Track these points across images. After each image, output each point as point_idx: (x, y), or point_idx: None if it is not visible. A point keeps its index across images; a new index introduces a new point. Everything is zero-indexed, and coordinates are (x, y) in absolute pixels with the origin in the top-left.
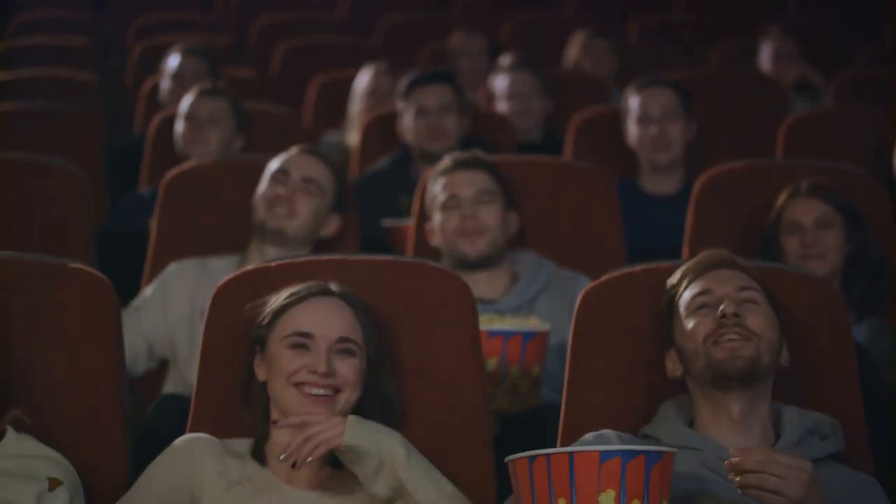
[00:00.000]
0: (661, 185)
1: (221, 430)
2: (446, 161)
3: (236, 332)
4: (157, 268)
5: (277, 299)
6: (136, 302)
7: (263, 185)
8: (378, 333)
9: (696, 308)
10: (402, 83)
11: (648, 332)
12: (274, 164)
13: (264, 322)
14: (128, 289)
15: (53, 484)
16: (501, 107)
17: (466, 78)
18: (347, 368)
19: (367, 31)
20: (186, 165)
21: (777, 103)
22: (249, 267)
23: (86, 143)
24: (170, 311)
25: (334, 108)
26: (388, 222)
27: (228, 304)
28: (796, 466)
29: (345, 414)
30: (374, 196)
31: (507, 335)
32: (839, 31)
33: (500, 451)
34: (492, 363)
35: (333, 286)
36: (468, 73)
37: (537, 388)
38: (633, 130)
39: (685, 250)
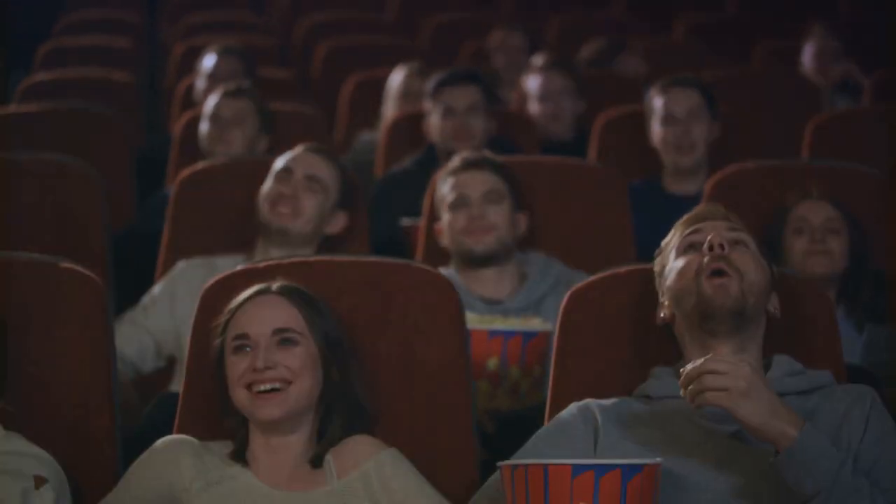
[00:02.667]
0: (683, 185)
1: (207, 433)
2: (455, 161)
3: (214, 343)
4: (169, 267)
5: (226, 311)
6: (145, 300)
7: (268, 184)
8: (334, 326)
9: (685, 248)
10: (430, 83)
11: (635, 332)
12: (278, 163)
13: (220, 335)
14: (148, 288)
15: (39, 482)
16: (533, 107)
17: (504, 76)
18: (290, 358)
19: (415, 31)
20: (199, 166)
21: (811, 103)
22: (235, 269)
23: (113, 143)
24: (177, 310)
25: (369, 107)
26: (406, 221)
27: (214, 306)
28: (735, 361)
29: (301, 407)
30: (398, 195)
31: (507, 335)
32: (886, 29)
33: (495, 450)
34: (492, 363)
35: (274, 285)
36: (505, 71)
37: (539, 387)
38: (656, 131)
39: None
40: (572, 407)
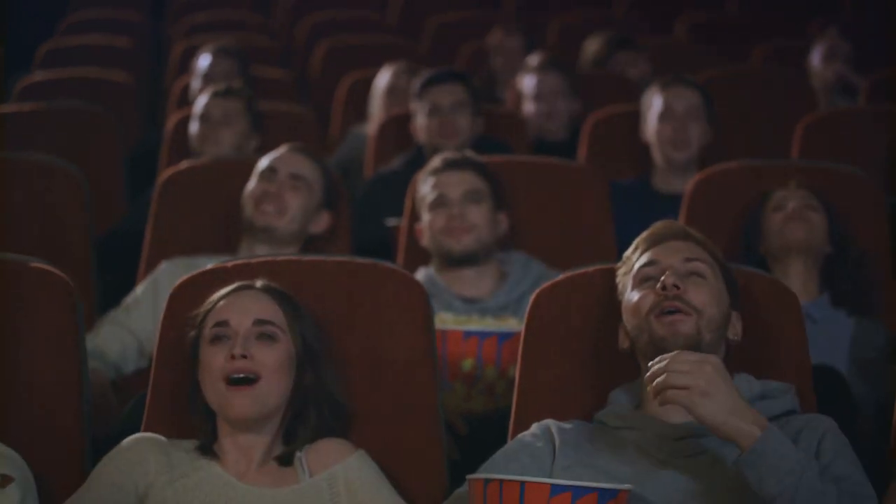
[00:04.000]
0: (673, 184)
1: (175, 431)
2: (436, 161)
3: (187, 336)
4: (152, 267)
5: (206, 304)
6: (128, 300)
7: (252, 183)
8: (313, 330)
9: (640, 280)
10: (416, 83)
11: (601, 333)
12: (263, 163)
13: (195, 328)
14: (132, 287)
15: (5, 481)
16: (528, 106)
17: (502, 76)
18: (267, 354)
19: (416, 31)
20: (182, 165)
21: (810, 104)
22: (205, 268)
23: (105, 143)
24: (160, 310)
25: (364, 107)
26: (392, 221)
27: (183, 305)
28: (699, 360)
29: (272, 406)
30: (386, 195)
31: (482, 336)
32: (887, 30)
33: (468, 451)
34: (467, 364)
35: (258, 282)
36: (503, 70)
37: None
38: (652, 126)
39: None
40: (534, 427)
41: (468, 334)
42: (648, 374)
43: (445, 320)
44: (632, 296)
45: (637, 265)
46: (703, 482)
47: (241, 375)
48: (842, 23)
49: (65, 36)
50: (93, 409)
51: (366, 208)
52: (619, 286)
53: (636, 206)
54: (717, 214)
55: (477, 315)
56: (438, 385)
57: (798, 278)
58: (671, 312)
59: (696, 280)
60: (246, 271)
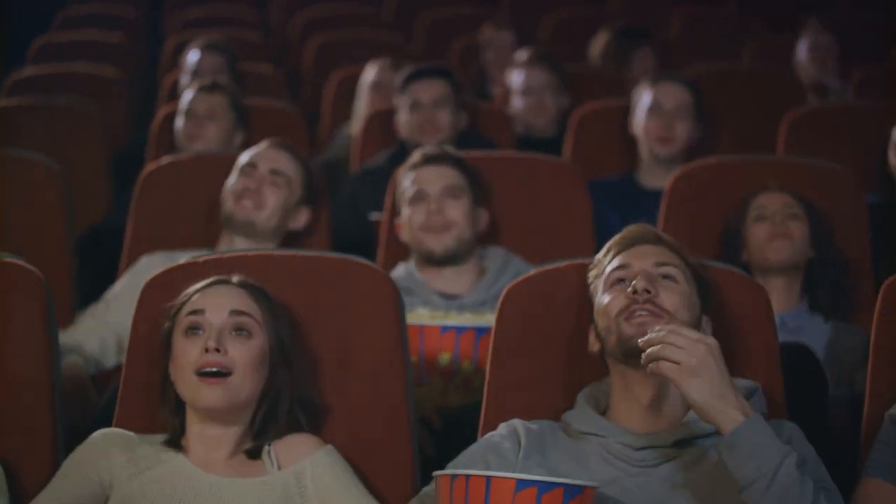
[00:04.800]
0: (657, 180)
1: (146, 425)
2: (415, 156)
3: (161, 329)
4: (132, 261)
5: (181, 296)
6: (107, 295)
7: (232, 178)
8: (287, 325)
9: (612, 283)
10: (398, 78)
11: (571, 330)
12: (243, 158)
13: (170, 319)
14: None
15: None
16: (517, 102)
17: (493, 72)
18: (241, 350)
19: (411, 27)
20: (163, 161)
21: (799, 99)
22: (178, 262)
23: (90, 139)
24: None
25: (352, 103)
26: (375, 216)
27: (155, 300)
28: (696, 339)
29: (242, 401)
30: (370, 190)
31: (459, 330)
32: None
33: (444, 446)
34: (444, 358)
35: (234, 277)
36: (494, 66)
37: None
38: (640, 121)
39: None
40: (501, 427)
41: (445, 329)
42: (645, 338)
43: (422, 315)
44: (602, 298)
45: (608, 269)
46: (664, 492)
47: (214, 370)
48: (835, 17)
49: (59, 31)
50: (70, 402)
51: (350, 203)
52: (591, 288)
53: (620, 203)
54: (697, 210)
55: (455, 311)
56: (410, 381)
57: (779, 291)
58: (640, 315)
59: (668, 284)
60: (217, 266)
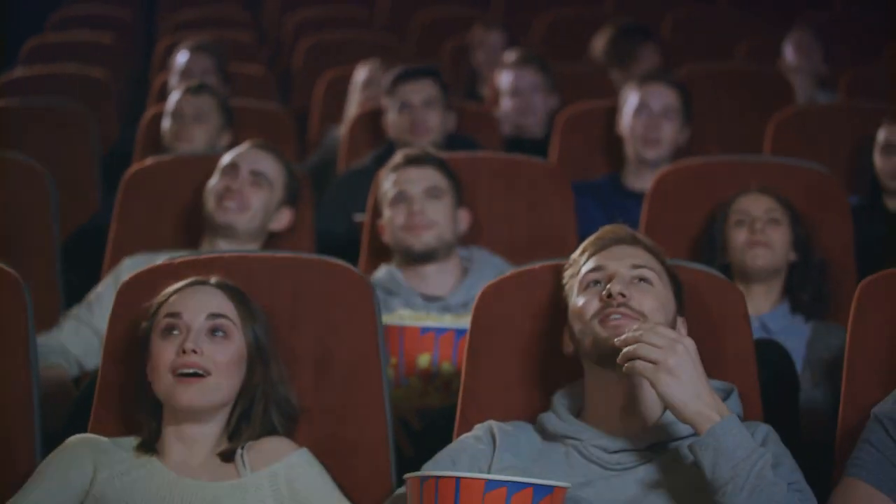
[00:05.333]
0: (643, 181)
1: (123, 426)
2: (397, 157)
3: (138, 329)
4: (116, 263)
5: (160, 296)
6: (90, 296)
7: (214, 180)
8: (264, 327)
9: (586, 285)
10: (386, 79)
11: (547, 330)
12: (225, 159)
13: (147, 320)
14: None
15: None
16: (505, 103)
17: (483, 73)
18: (218, 351)
19: (405, 28)
20: (147, 162)
21: (788, 100)
22: (156, 263)
23: (79, 140)
24: None
25: (343, 104)
26: (359, 217)
27: (132, 301)
28: (674, 338)
29: (219, 401)
30: (357, 191)
31: (439, 332)
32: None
33: (423, 447)
34: (424, 360)
35: (213, 279)
36: (484, 66)
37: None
38: (627, 121)
39: None
40: (476, 428)
41: (425, 330)
42: (622, 337)
43: (403, 317)
44: (577, 300)
45: (584, 270)
46: (639, 495)
47: (191, 371)
48: (827, 17)
49: (52, 32)
50: (52, 404)
51: (336, 204)
52: (566, 287)
53: (606, 204)
54: (678, 211)
55: (436, 312)
56: (387, 382)
57: (759, 294)
58: (615, 318)
59: (643, 287)
60: (194, 267)
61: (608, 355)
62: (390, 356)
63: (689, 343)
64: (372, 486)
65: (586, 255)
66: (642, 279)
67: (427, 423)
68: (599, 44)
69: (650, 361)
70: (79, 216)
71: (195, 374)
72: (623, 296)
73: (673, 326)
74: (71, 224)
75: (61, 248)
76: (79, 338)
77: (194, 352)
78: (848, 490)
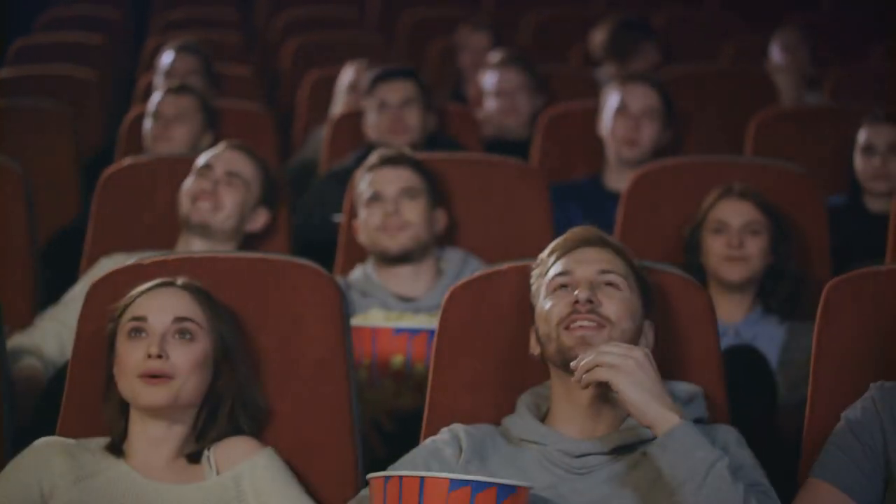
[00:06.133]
0: (624, 182)
1: (91, 427)
2: (372, 157)
3: (106, 330)
4: (93, 263)
5: (126, 298)
6: (66, 297)
7: (189, 180)
8: (231, 328)
9: (553, 289)
10: (365, 80)
11: (514, 332)
12: (200, 160)
13: (113, 321)
14: None
15: None
16: (489, 103)
17: (469, 73)
18: (183, 354)
19: (394, 29)
20: (124, 163)
21: (770, 102)
22: (122, 265)
23: (61, 141)
24: None
25: (328, 104)
26: (336, 218)
27: (100, 301)
28: (629, 347)
29: (185, 401)
30: (337, 192)
31: (412, 333)
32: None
33: (395, 448)
34: (397, 361)
35: (179, 280)
36: (470, 67)
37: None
38: (607, 122)
39: None
40: (443, 432)
41: (398, 331)
42: (575, 361)
43: (375, 317)
44: (544, 304)
45: (551, 273)
46: (602, 498)
47: (158, 374)
48: (815, 17)
49: (40, 32)
50: (26, 405)
51: (316, 205)
52: (533, 288)
53: (586, 205)
54: (654, 212)
55: (411, 313)
56: (354, 384)
57: (733, 302)
58: (581, 326)
59: (610, 292)
60: (163, 268)
61: (571, 362)
62: (364, 357)
63: (645, 350)
64: (338, 487)
65: (554, 256)
66: (609, 284)
67: (399, 424)
68: (599, 37)
69: (609, 366)
70: (61, 218)
71: (161, 377)
72: (591, 302)
73: (640, 331)
74: (53, 226)
75: (43, 250)
76: (54, 337)
77: (159, 356)
78: (812, 492)
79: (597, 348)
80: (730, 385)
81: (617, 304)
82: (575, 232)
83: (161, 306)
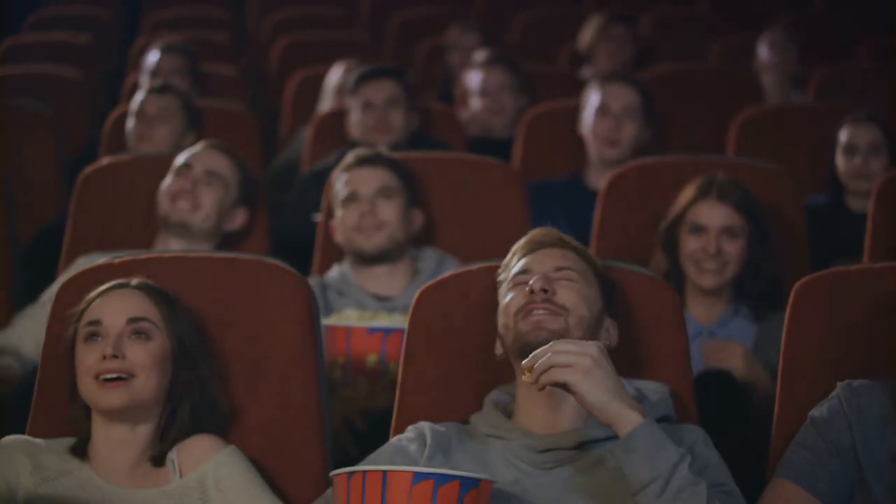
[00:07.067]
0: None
1: (60, 427)
2: (349, 157)
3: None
4: (71, 262)
5: (82, 302)
6: (43, 296)
7: (168, 180)
8: (189, 326)
9: (514, 285)
10: (349, 79)
11: (483, 332)
12: (179, 159)
13: (74, 323)
14: None
15: None
16: (475, 102)
17: (457, 73)
18: (140, 352)
19: (384, 28)
20: (102, 162)
21: (755, 101)
22: (91, 265)
23: (43, 141)
24: None
25: (314, 104)
26: (316, 217)
27: (69, 302)
28: (583, 344)
29: (145, 401)
30: (318, 191)
31: (386, 332)
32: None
33: (368, 447)
34: (371, 360)
35: (133, 281)
36: (459, 68)
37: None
38: (588, 121)
39: (592, 245)
40: (409, 430)
41: (372, 330)
42: (527, 359)
43: (349, 316)
44: (504, 299)
45: (513, 272)
46: (564, 494)
47: (114, 376)
48: (803, 17)
49: (29, 32)
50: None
51: (298, 204)
52: (499, 291)
53: (567, 204)
54: (632, 211)
55: (386, 312)
56: (324, 384)
57: (707, 304)
58: (537, 313)
59: (566, 283)
60: (132, 268)
61: (529, 351)
62: (338, 356)
63: (599, 345)
64: (307, 487)
65: (516, 257)
66: (564, 278)
67: (372, 423)
68: (587, 34)
69: (564, 366)
70: (44, 217)
71: (118, 379)
72: (545, 291)
73: (599, 324)
74: (35, 225)
75: (24, 250)
76: (31, 337)
77: (115, 357)
78: (776, 491)
79: (551, 347)
80: (702, 415)
81: (571, 294)
82: (535, 233)
83: (115, 308)
